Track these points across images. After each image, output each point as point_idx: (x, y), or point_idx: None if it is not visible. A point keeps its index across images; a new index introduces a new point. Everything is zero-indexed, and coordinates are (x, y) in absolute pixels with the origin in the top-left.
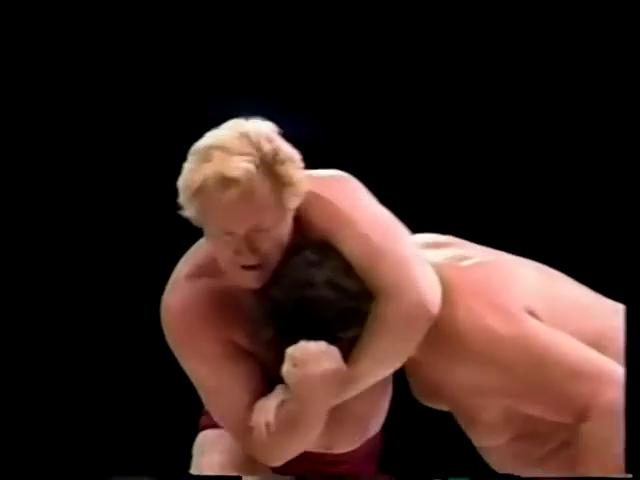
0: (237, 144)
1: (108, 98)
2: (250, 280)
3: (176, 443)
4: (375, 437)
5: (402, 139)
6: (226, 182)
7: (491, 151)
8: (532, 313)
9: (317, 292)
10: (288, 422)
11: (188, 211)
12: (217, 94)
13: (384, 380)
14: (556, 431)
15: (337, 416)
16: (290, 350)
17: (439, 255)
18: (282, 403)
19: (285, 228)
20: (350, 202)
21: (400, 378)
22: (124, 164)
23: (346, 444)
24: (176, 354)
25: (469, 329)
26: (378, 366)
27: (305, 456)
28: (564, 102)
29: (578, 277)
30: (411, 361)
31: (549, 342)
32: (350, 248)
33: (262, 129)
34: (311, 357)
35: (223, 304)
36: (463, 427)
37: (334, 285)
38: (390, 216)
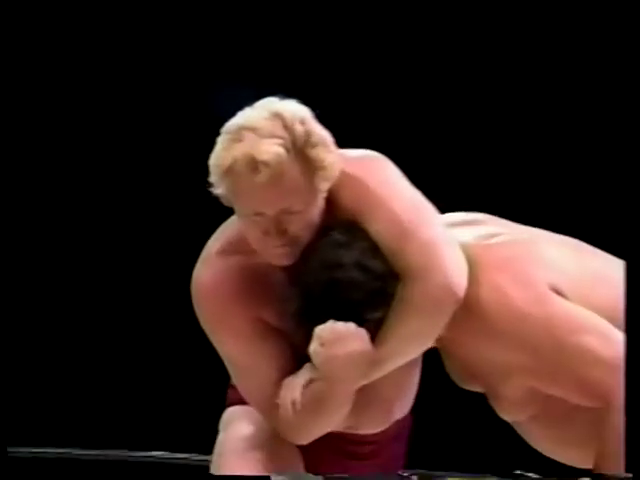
0: (269, 125)
1: (110, 93)
2: (279, 258)
3: (204, 419)
4: (404, 419)
5: (407, 129)
6: (256, 165)
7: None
8: (557, 290)
9: (346, 274)
10: (314, 401)
11: (218, 189)
12: (219, 88)
13: (411, 362)
14: (582, 413)
15: (363, 397)
16: (318, 329)
17: (468, 234)
18: (309, 382)
19: (315, 210)
20: (380, 182)
21: (434, 361)
22: (130, 151)
23: (371, 425)
24: (206, 330)
25: (494, 307)
26: (404, 347)
27: (331, 435)
28: (566, 91)
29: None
30: (442, 341)
31: (573, 323)
32: (378, 229)
33: (295, 111)
34: (339, 337)
35: (254, 281)
36: (489, 401)
37: (362, 266)
38: (420, 197)
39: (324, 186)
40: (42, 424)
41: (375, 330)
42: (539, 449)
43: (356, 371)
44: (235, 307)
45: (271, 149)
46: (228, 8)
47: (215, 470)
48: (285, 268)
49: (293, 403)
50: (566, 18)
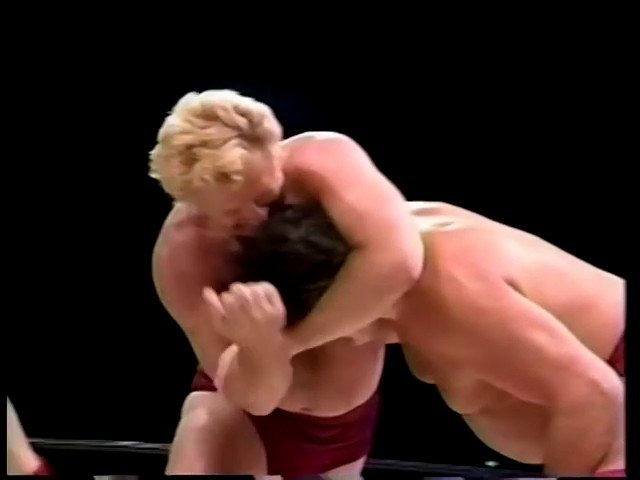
0: (215, 133)
1: (106, 91)
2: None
3: (173, 408)
4: (368, 404)
5: (401, 123)
6: (228, 177)
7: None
8: (513, 283)
9: (289, 247)
10: (244, 372)
11: (179, 201)
12: (214, 80)
13: (370, 348)
14: (533, 407)
15: (316, 378)
16: (224, 296)
17: (426, 222)
18: (238, 353)
19: (276, 183)
20: (346, 163)
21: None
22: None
23: (328, 408)
24: (164, 301)
25: (449, 298)
26: (342, 316)
27: (291, 417)
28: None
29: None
30: (398, 329)
31: (525, 320)
32: (340, 207)
33: (223, 101)
34: (241, 304)
35: (210, 250)
36: (441, 393)
37: (308, 242)
38: (385, 181)
39: (276, 150)
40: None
41: (314, 301)
42: (489, 443)
43: (264, 336)
44: (191, 274)
45: (235, 155)
46: (230, 8)
47: (173, 459)
48: (240, 239)
49: (221, 379)
50: (566, 19)
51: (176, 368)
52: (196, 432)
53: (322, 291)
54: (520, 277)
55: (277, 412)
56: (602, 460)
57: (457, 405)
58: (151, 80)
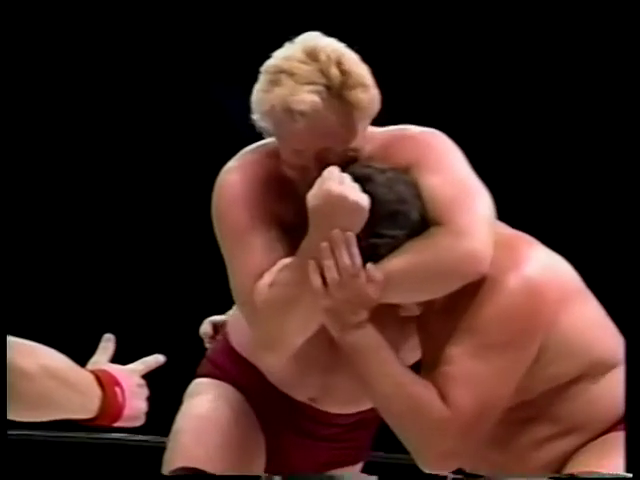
0: (305, 70)
1: (112, 91)
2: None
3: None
4: (371, 410)
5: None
6: (292, 113)
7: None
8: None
9: (372, 188)
10: (301, 264)
11: (261, 123)
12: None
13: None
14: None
15: (332, 363)
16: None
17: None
18: (287, 263)
19: (357, 145)
20: (447, 146)
21: None
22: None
23: (337, 401)
24: (220, 216)
25: (489, 298)
26: (403, 282)
27: (296, 409)
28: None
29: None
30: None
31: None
32: (432, 179)
33: (332, 52)
34: (340, 178)
35: (278, 180)
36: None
37: (391, 189)
38: (476, 178)
39: (363, 124)
40: None
41: (384, 251)
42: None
43: (346, 218)
44: (254, 197)
45: (307, 98)
46: (234, 9)
47: (171, 445)
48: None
49: (270, 284)
50: (566, 18)
51: (174, 362)
52: (196, 419)
53: (395, 241)
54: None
55: (281, 404)
56: None
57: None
58: (150, 80)
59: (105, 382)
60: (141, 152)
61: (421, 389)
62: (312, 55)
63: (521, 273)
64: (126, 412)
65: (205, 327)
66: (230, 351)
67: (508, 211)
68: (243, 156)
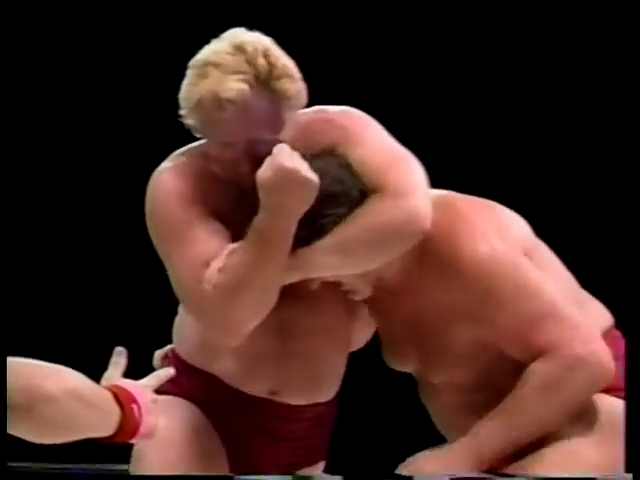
0: (232, 61)
1: (111, 92)
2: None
3: None
4: (330, 404)
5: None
6: (220, 102)
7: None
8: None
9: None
10: (251, 245)
11: (188, 121)
12: None
13: (338, 331)
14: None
15: (285, 350)
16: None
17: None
18: (236, 247)
19: (285, 137)
20: (369, 121)
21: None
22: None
23: (295, 392)
24: (154, 215)
25: (466, 245)
26: (348, 251)
27: (255, 407)
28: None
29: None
30: (397, 288)
31: (537, 277)
32: (361, 151)
33: (258, 43)
34: (289, 153)
35: (210, 178)
36: (427, 363)
37: (326, 172)
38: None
39: (291, 115)
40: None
41: (331, 229)
42: (444, 423)
43: (296, 193)
44: (194, 196)
45: (234, 86)
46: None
47: (135, 470)
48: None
49: (219, 270)
50: (566, 18)
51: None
52: (159, 437)
53: (340, 219)
54: (530, 252)
55: (239, 406)
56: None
57: (439, 367)
58: (150, 80)
59: (123, 400)
60: (141, 154)
61: None
62: (239, 47)
63: (477, 245)
64: (142, 429)
65: (155, 357)
66: (180, 363)
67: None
68: (173, 157)
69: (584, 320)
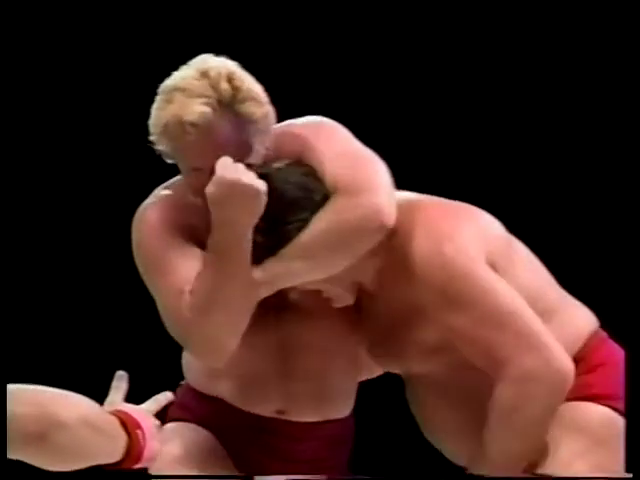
0: (197, 86)
1: (109, 93)
2: None
3: None
4: (343, 424)
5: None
6: (183, 126)
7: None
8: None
9: (272, 184)
10: (211, 263)
11: (159, 147)
12: None
13: (338, 343)
14: (477, 394)
15: (289, 369)
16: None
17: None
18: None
19: (254, 160)
20: (327, 127)
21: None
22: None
23: (302, 407)
24: (140, 249)
25: (425, 246)
26: (314, 255)
27: (265, 429)
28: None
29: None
30: (373, 288)
31: (491, 285)
32: (322, 155)
33: (223, 68)
34: (230, 166)
35: (191, 208)
36: (398, 355)
37: (287, 180)
38: (370, 151)
39: (259, 138)
40: None
41: (296, 234)
42: (422, 417)
43: (245, 204)
44: (175, 229)
45: (197, 109)
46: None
47: None
48: None
49: (190, 292)
50: (566, 18)
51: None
52: (172, 462)
53: (304, 223)
54: (496, 259)
55: (251, 429)
56: (533, 449)
57: (409, 360)
58: (150, 81)
59: (129, 425)
60: (141, 156)
61: None
62: (204, 73)
63: (439, 247)
64: (146, 453)
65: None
66: (190, 390)
67: (507, 211)
68: (157, 192)
69: (545, 329)
